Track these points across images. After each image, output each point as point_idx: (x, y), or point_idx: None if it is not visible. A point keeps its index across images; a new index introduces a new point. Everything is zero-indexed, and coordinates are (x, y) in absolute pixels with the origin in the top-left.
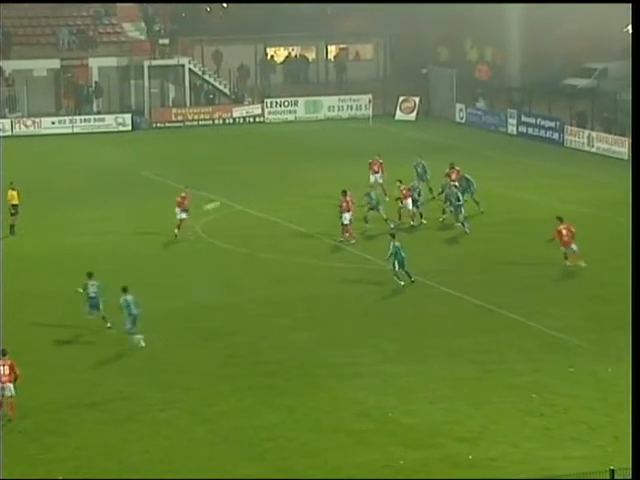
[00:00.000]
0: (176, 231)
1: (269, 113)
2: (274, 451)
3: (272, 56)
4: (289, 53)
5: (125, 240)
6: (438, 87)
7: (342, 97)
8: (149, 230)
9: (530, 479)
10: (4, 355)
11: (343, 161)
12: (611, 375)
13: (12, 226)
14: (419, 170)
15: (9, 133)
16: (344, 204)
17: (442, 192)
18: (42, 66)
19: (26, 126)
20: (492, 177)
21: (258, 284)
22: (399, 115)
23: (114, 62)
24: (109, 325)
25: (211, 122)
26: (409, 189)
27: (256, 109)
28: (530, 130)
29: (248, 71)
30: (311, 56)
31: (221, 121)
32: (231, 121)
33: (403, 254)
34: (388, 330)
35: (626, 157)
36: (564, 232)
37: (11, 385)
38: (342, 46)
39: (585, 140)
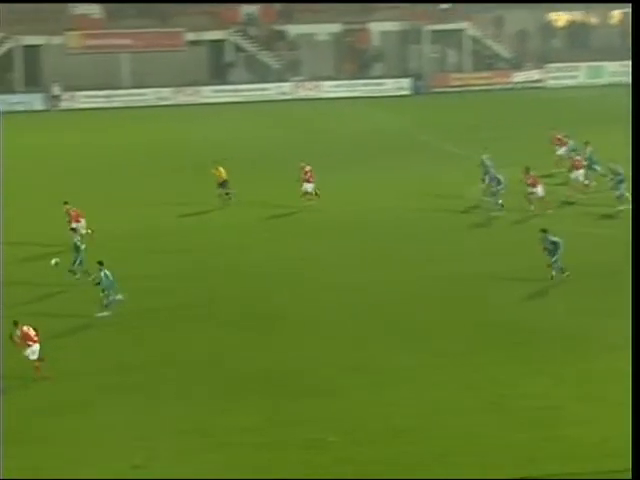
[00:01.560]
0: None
1: (550, 78)
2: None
3: (553, 21)
4: (571, 18)
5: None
6: None
7: (624, 62)
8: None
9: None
10: None
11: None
12: None
13: (227, 194)
14: None
15: (290, 97)
16: (530, 180)
17: None
18: (324, 30)
19: (307, 89)
20: None
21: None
22: None
23: (394, 27)
24: None
25: (490, 87)
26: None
27: (536, 74)
28: None
29: (528, 36)
30: (594, 21)
31: (500, 86)
32: (511, 86)
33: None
34: None
35: None
36: None
37: None
38: (625, 11)
39: None
